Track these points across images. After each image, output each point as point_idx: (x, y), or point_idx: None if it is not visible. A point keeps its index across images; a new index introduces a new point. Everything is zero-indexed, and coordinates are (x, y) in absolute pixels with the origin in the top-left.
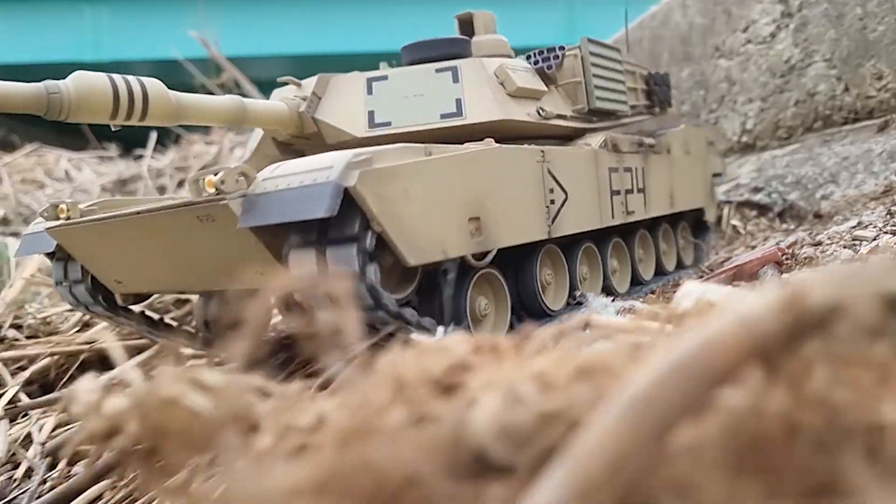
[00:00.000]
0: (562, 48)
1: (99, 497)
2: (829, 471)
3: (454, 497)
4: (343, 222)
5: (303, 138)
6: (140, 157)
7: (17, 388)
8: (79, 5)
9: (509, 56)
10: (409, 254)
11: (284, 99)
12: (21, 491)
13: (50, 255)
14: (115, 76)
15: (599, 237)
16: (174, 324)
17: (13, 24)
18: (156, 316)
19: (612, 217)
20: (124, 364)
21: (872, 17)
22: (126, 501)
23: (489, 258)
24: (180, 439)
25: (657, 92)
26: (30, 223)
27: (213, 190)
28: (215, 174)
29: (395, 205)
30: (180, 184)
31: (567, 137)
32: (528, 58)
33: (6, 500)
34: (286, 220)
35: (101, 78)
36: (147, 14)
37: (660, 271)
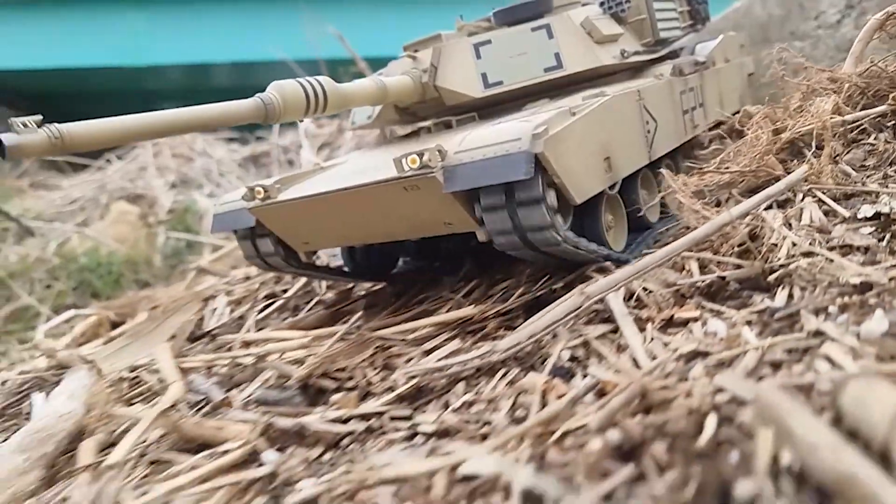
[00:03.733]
0: None
1: None
2: None
3: None
4: (529, 184)
5: (421, 103)
6: (260, 138)
7: None
8: (120, 11)
9: (581, 4)
10: (577, 195)
11: (406, 72)
12: None
13: (234, 232)
14: (301, 80)
15: (672, 154)
16: (333, 267)
17: (53, 29)
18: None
19: (686, 133)
20: None
21: None
22: None
23: (617, 187)
24: None
25: (699, 10)
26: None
27: (416, 165)
28: (420, 155)
29: (565, 160)
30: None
31: (637, 70)
32: (602, 4)
33: None
34: (489, 183)
35: (293, 84)
36: (183, 19)
37: None
